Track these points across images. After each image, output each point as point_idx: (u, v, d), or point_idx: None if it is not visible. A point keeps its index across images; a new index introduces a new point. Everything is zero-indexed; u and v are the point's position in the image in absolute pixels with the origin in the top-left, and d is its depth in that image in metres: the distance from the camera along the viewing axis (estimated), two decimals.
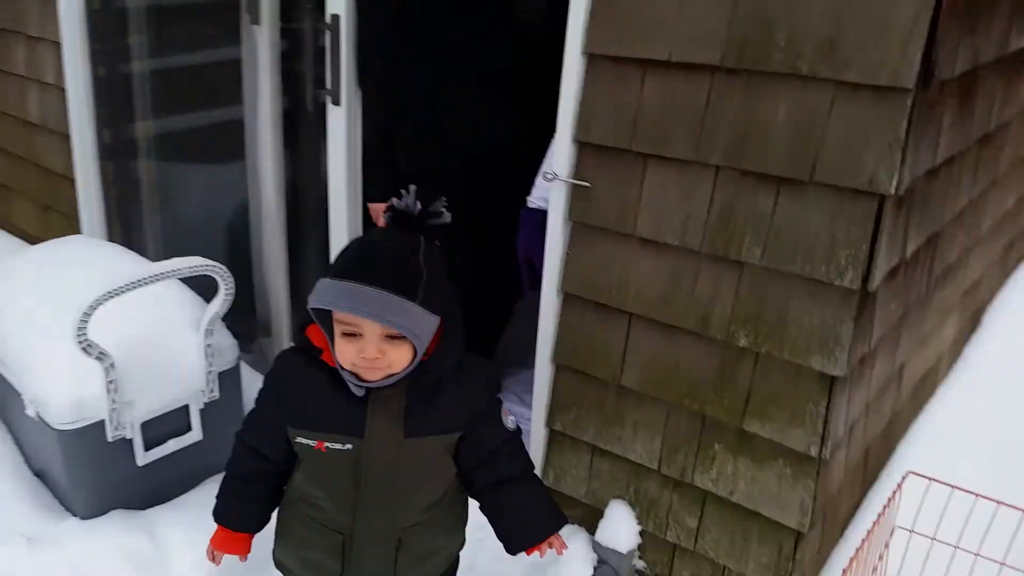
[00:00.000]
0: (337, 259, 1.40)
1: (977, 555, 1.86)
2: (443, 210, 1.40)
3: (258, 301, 2.96)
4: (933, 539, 1.89)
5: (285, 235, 2.84)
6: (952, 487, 1.89)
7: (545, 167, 2.13)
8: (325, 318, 1.38)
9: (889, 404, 2.29)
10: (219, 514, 1.61)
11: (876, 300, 1.78)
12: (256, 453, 1.53)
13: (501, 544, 1.61)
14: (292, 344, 1.51)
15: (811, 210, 1.65)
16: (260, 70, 2.57)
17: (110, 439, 2.23)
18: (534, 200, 2.32)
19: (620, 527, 2.19)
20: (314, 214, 2.92)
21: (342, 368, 1.37)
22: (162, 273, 2.16)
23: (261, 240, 2.85)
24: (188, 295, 2.45)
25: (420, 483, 1.48)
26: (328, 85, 2.36)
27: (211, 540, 1.63)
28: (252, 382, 2.76)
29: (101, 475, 2.28)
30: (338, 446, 1.42)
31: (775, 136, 1.63)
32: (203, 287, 2.45)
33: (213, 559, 1.63)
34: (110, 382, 2.15)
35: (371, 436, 1.41)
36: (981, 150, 2.29)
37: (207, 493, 2.47)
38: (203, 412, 2.43)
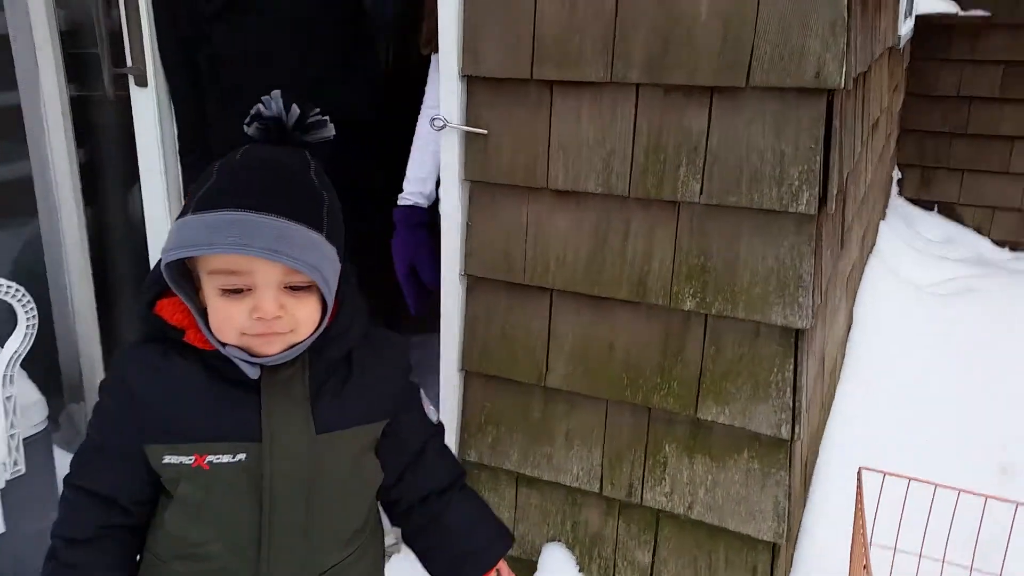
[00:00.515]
0: (199, 188, 1.03)
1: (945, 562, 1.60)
2: (324, 119, 1.11)
3: (62, 356, 2.49)
4: (920, 555, 1.63)
5: (90, 262, 2.43)
6: (910, 479, 1.65)
7: (422, 124, 1.89)
8: (185, 279, 1.05)
9: (824, 382, 2.05)
10: None
11: (822, 235, 1.58)
12: (101, 501, 1.08)
13: None
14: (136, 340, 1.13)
15: (752, 122, 1.48)
16: (39, 50, 2.24)
17: None
18: (408, 195, 2.02)
19: None
20: (125, 231, 2.57)
21: (223, 345, 1.03)
22: None
23: (62, 272, 2.42)
24: None
25: (343, 496, 1.13)
26: (129, 62, 2.09)
27: None
28: (63, 461, 2.31)
29: None
30: (226, 458, 1.05)
31: (700, 36, 1.47)
32: None
33: None
34: None
35: (272, 437, 1.05)
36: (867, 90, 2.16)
37: None
38: (4, 495, 1.97)
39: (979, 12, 4.00)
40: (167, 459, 1.05)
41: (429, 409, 1.26)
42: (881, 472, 1.66)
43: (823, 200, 1.46)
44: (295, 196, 1.02)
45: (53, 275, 2.44)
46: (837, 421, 2.31)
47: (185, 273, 1.06)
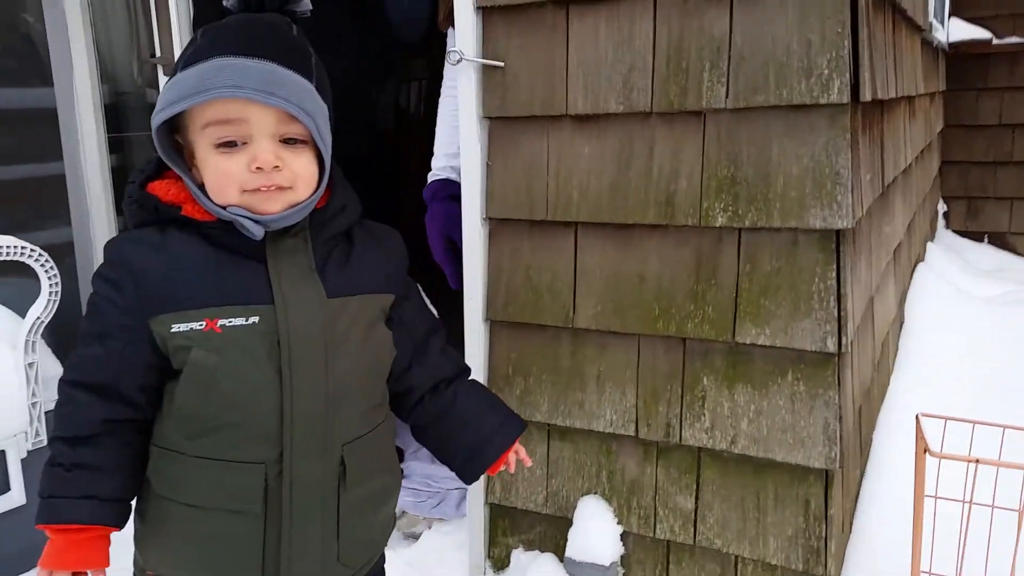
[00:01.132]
0: (189, 48, 1.01)
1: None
2: None
3: None
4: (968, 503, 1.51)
5: None
6: (974, 423, 1.56)
7: (444, 102, 1.88)
8: (178, 156, 1.02)
9: (883, 315, 1.96)
10: (57, 507, 1.03)
11: (859, 143, 1.53)
12: (102, 393, 1.03)
13: (456, 473, 1.23)
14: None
15: (775, 15, 1.44)
16: (73, 42, 2.27)
17: None
18: (438, 171, 2.00)
19: (596, 532, 1.74)
20: None
21: (224, 208, 1.00)
22: None
23: (90, 262, 2.42)
24: None
25: (360, 365, 1.08)
26: (157, 52, 2.12)
27: (46, 559, 1.03)
28: None
29: None
30: (239, 320, 1.01)
31: None
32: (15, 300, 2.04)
33: None
34: None
35: (285, 299, 1.02)
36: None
37: None
38: (26, 464, 1.93)
39: (1015, 39, 4.01)
40: (175, 327, 0.99)
41: (429, 305, 1.24)
42: (942, 418, 1.57)
43: (856, 89, 1.41)
44: (283, 45, 1.00)
45: (83, 272, 2.44)
46: (891, 408, 2.24)
47: (177, 149, 1.03)
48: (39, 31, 2.54)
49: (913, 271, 2.99)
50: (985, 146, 4.23)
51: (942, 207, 4.41)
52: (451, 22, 1.78)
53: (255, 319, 1.00)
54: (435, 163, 2.00)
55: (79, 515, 1.02)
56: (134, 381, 1.03)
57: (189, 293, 1.00)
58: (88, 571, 1.05)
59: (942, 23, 3.48)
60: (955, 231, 4.35)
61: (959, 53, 4.04)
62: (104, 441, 1.03)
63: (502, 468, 1.24)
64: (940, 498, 1.50)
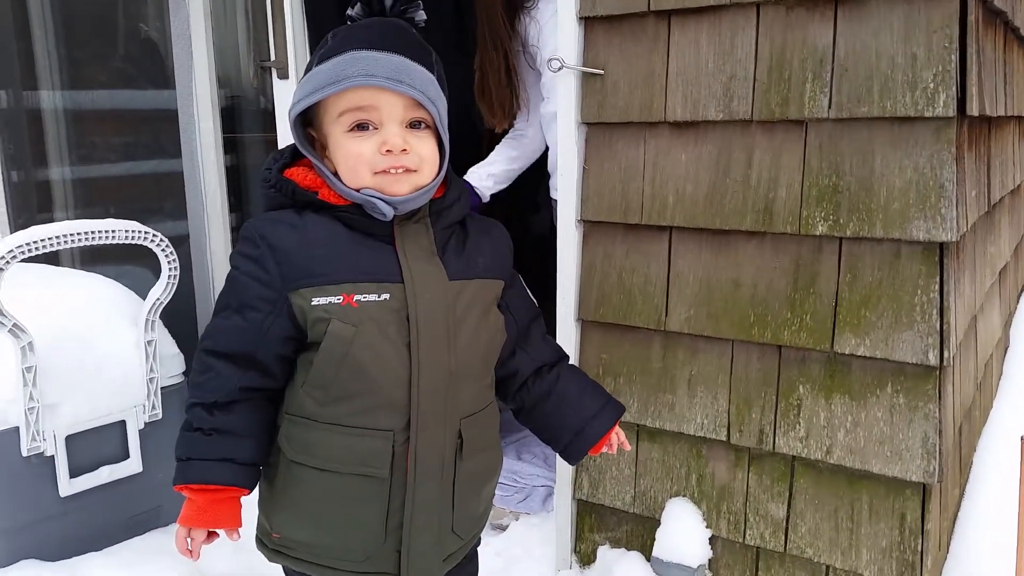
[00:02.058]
0: (317, 51, 1.12)
1: None
2: (417, 1, 1.18)
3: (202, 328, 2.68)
4: None
5: (231, 246, 2.58)
6: None
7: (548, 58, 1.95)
8: (312, 146, 1.14)
9: (986, 334, 1.93)
10: (196, 469, 1.12)
11: (964, 157, 1.51)
12: (239, 362, 1.11)
13: (561, 453, 1.33)
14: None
15: (880, 29, 1.44)
16: (195, 46, 2.42)
17: (25, 453, 1.90)
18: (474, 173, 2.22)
19: (684, 534, 1.78)
20: None
21: (357, 191, 1.10)
22: (91, 232, 1.93)
23: (205, 251, 2.58)
24: (120, 289, 2.20)
25: (477, 344, 1.18)
26: (272, 55, 2.25)
27: (184, 518, 1.14)
28: None
29: (12, 505, 1.92)
30: (372, 296, 1.10)
31: None
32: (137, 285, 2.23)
33: (189, 550, 1.15)
34: (27, 369, 1.86)
35: (413, 278, 1.11)
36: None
37: (147, 545, 2.12)
38: (143, 436, 2.10)
39: None
40: (316, 300, 1.08)
41: (529, 294, 1.33)
42: None
43: (962, 103, 1.40)
44: (409, 41, 1.10)
45: (197, 262, 2.62)
46: (993, 431, 2.20)
47: (311, 141, 1.14)
48: (160, 37, 2.74)
49: (1020, 295, 2.89)
50: None
51: None
52: (509, 120, 2.09)
53: (387, 296, 1.09)
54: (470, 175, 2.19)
55: (217, 477, 1.12)
56: (271, 351, 1.12)
57: (327, 269, 1.09)
58: (221, 530, 1.15)
59: None
60: None
61: None
62: (240, 408, 1.12)
63: (603, 450, 1.31)
64: None
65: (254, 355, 1.12)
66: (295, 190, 1.13)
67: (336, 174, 1.11)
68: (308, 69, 1.12)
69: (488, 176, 2.20)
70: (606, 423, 1.29)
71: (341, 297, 1.08)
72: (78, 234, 1.93)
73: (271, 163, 1.17)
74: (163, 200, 2.86)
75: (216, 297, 2.50)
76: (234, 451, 1.12)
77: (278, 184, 1.14)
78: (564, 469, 1.94)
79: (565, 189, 1.83)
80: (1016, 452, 1.49)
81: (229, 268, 1.14)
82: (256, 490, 1.21)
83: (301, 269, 1.09)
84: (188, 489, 1.13)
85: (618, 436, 1.32)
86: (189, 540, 1.15)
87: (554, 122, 1.89)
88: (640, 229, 1.76)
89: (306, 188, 1.13)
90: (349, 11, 1.17)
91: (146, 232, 2.03)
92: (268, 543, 1.22)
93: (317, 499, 1.14)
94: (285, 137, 2.32)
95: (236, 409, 1.12)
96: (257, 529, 1.24)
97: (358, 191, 1.09)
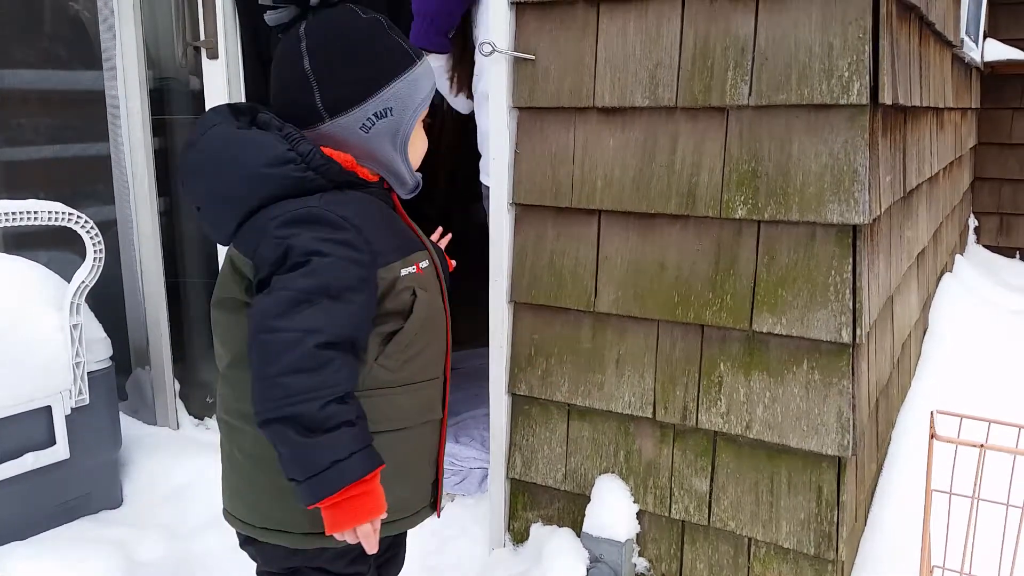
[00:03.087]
0: (384, 55, 1.19)
1: None
2: None
3: (130, 321, 2.56)
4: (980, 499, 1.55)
5: (159, 230, 2.48)
6: (990, 422, 1.58)
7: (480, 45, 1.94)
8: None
9: (903, 315, 2.01)
10: (360, 460, 1.05)
11: (878, 143, 1.57)
12: (348, 348, 1.08)
13: None
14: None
15: (799, 19, 1.48)
16: (120, 25, 2.34)
17: None
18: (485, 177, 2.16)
19: (613, 509, 1.81)
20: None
21: (408, 172, 1.24)
22: (12, 213, 1.86)
23: (132, 235, 2.50)
24: (43, 272, 2.12)
25: None
26: (202, 35, 2.19)
27: (339, 523, 1.07)
28: (131, 430, 2.35)
29: None
30: (424, 263, 1.23)
31: None
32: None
33: (371, 541, 1.09)
34: None
35: (426, 242, 1.28)
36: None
37: (76, 532, 2.06)
38: (69, 422, 2.04)
39: None
40: (403, 272, 1.17)
41: None
42: (957, 415, 1.60)
43: (875, 91, 1.45)
44: None
45: (124, 245, 2.53)
46: (911, 408, 2.28)
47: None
48: (90, 16, 2.63)
49: (939, 280, 3.01)
50: (1018, 164, 4.25)
51: (973, 222, 4.41)
52: (462, 89, 2.06)
53: (427, 262, 1.22)
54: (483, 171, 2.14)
55: (377, 459, 1.07)
56: (367, 330, 1.13)
57: (396, 243, 1.18)
58: (372, 520, 1.08)
59: (976, 42, 3.48)
60: (986, 246, 4.36)
61: (995, 73, 4.04)
62: (352, 392, 1.08)
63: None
64: (952, 493, 1.55)
65: (357, 338, 1.10)
66: (340, 170, 1.14)
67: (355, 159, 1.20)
68: (401, 65, 1.18)
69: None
70: None
71: (414, 267, 1.19)
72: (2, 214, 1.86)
73: (298, 146, 1.12)
74: (92, 184, 2.76)
75: (139, 282, 2.46)
76: (368, 435, 1.08)
77: (322, 166, 1.12)
78: (498, 449, 1.95)
79: (497, 173, 1.83)
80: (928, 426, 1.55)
81: (299, 256, 1.06)
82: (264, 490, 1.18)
83: (382, 244, 1.14)
84: (354, 487, 1.05)
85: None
86: (372, 521, 1.08)
87: (485, 102, 1.89)
88: (570, 212, 1.78)
89: (347, 168, 1.17)
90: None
91: (70, 213, 1.96)
92: (293, 538, 1.19)
93: (394, 457, 1.14)
94: None
95: (353, 394, 1.08)
96: (304, 526, 1.17)
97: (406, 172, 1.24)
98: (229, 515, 1.27)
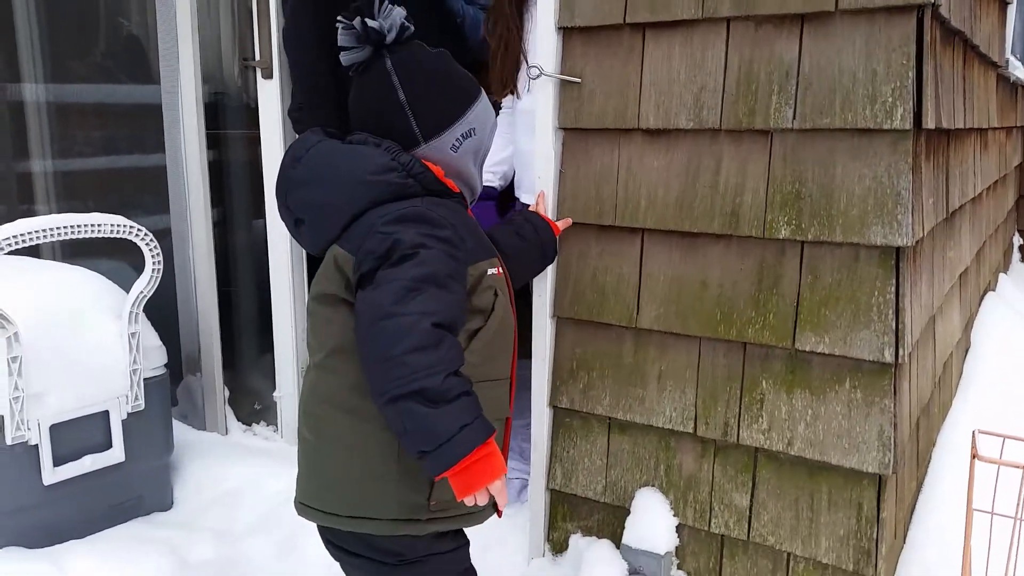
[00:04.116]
0: (461, 83, 1.37)
1: None
2: None
3: (183, 328, 2.64)
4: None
5: (212, 241, 2.56)
6: None
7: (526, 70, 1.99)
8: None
9: (945, 335, 2.01)
10: (482, 425, 1.17)
11: (921, 167, 1.58)
12: (454, 329, 1.21)
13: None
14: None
15: (843, 46, 1.50)
16: (180, 44, 2.43)
17: (9, 442, 1.91)
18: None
19: (653, 522, 1.83)
20: (246, 215, 2.75)
21: (479, 185, 1.45)
22: (76, 226, 1.95)
23: (187, 245, 2.58)
24: (103, 282, 2.21)
25: None
26: (257, 55, 2.27)
27: (469, 486, 1.16)
28: (183, 435, 2.43)
29: None
30: (501, 268, 1.38)
31: None
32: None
33: (503, 494, 1.21)
34: (12, 359, 1.86)
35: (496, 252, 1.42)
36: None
37: (129, 533, 2.13)
38: (125, 426, 2.12)
39: None
40: (489, 271, 1.31)
41: None
42: (999, 435, 1.61)
43: (918, 116, 1.47)
44: None
45: (179, 255, 2.62)
46: (952, 427, 2.27)
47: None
48: (143, 32, 2.73)
49: (982, 299, 2.99)
50: None
51: (1018, 240, 4.36)
52: (511, 90, 2.03)
53: (501, 268, 1.36)
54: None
55: (490, 426, 1.19)
56: (464, 320, 1.25)
57: (479, 246, 1.32)
58: (496, 481, 1.18)
59: (1022, 61, 3.46)
60: None
61: None
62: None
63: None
64: (993, 513, 1.55)
65: (459, 323, 1.23)
66: (435, 179, 1.28)
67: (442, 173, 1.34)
68: (471, 97, 1.36)
69: (500, 177, 2.20)
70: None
71: (497, 268, 1.33)
72: (65, 227, 1.94)
73: (399, 157, 1.27)
74: (143, 194, 2.86)
75: (193, 291, 2.53)
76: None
77: (420, 174, 1.27)
78: (539, 461, 1.99)
79: (542, 190, 1.87)
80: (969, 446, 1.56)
81: (407, 249, 1.18)
82: (371, 480, 1.28)
83: (472, 245, 1.29)
84: (480, 449, 1.15)
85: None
86: (500, 484, 1.19)
87: (525, 119, 1.94)
88: (613, 230, 1.81)
89: (439, 178, 1.32)
90: (343, 40, 1.26)
91: (131, 226, 2.04)
92: (422, 516, 1.28)
93: None
94: (269, 134, 2.34)
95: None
96: (390, 512, 1.27)
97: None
98: (309, 509, 1.34)
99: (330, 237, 1.29)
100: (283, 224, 1.39)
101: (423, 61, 1.33)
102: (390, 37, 1.29)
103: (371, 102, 1.32)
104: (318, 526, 1.39)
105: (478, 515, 1.35)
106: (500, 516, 1.32)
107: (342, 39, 1.30)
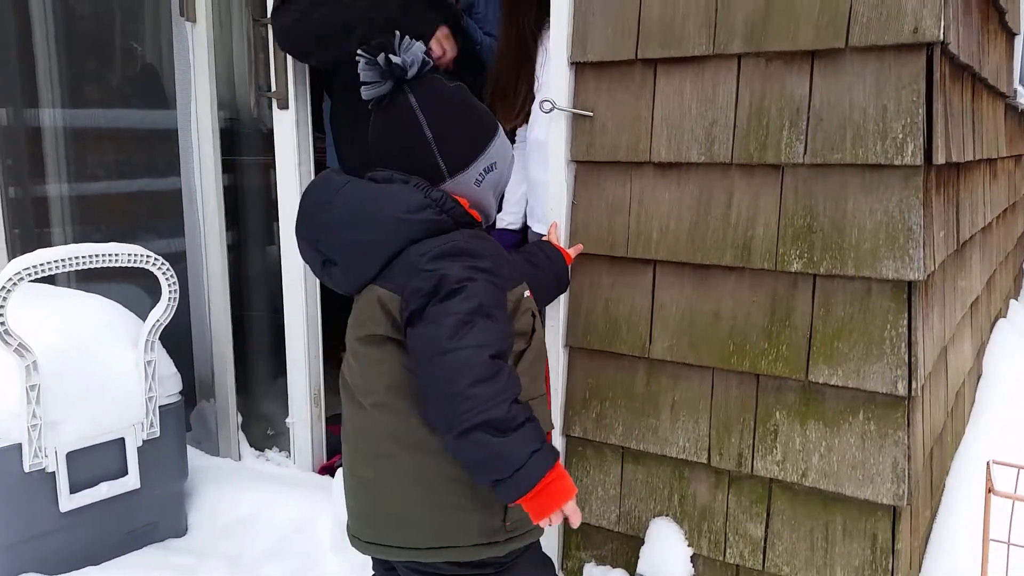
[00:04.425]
0: (482, 119, 1.41)
1: None
2: None
3: (197, 354, 2.66)
4: None
5: (227, 267, 2.58)
6: None
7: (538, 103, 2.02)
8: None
9: (957, 364, 2.02)
10: (551, 450, 1.22)
11: (932, 201, 1.60)
12: (506, 357, 1.26)
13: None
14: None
15: (853, 83, 1.52)
16: (196, 72, 2.46)
17: (27, 469, 1.92)
18: (504, 218, 2.25)
19: (667, 552, 1.84)
20: (260, 240, 2.77)
21: (494, 215, 1.50)
22: (94, 255, 1.97)
23: (201, 271, 2.61)
24: (120, 311, 2.23)
25: None
26: (273, 87, 2.31)
27: (544, 509, 1.20)
28: (197, 462, 2.44)
29: (14, 521, 1.94)
30: (529, 291, 1.43)
31: (799, 1, 1.54)
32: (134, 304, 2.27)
33: (576, 514, 1.24)
34: (31, 387, 1.88)
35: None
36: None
37: (145, 559, 2.14)
38: (141, 453, 2.13)
39: None
40: (524, 294, 1.37)
41: None
42: (1014, 466, 1.61)
43: (928, 152, 1.48)
44: None
45: (193, 280, 2.64)
46: (965, 456, 2.27)
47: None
48: (157, 58, 2.77)
49: (994, 326, 3.00)
50: None
51: None
52: (523, 119, 2.09)
53: (529, 290, 1.42)
54: (504, 207, 2.22)
55: (556, 450, 1.23)
56: (511, 346, 1.32)
57: (513, 270, 1.39)
58: (570, 502, 1.22)
59: None
60: None
61: None
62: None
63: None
64: (1010, 544, 1.55)
65: (508, 351, 1.29)
66: (464, 212, 1.33)
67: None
68: (490, 132, 1.40)
69: (519, 218, 2.26)
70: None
71: (528, 292, 1.38)
72: (82, 257, 1.96)
73: (431, 193, 1.30)
74: (157, 218, 2.89)
75: (207, 317, 2.55)
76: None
77: (452, 208, 1.30)
78: None
79: (554, 221, 1.90)
80: (984, 476, 1.56)
81: (454, 284, 1.21)
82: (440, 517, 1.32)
83: (507, 272, 1.35)
84: (551, 472, 1.18)
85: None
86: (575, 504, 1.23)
87: (537, 150, 1.97)
88: (625, 262, 1.83)
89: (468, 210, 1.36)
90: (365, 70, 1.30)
91: (148, 256, 2.07)
92: (500, 538, 1.32)
93: None
94: (284, 163, 2.36)
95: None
96: (470, 538, 1.31)
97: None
98: (382, 547, 1.36)
99: (367, 277, 1.30)
100: (297, 252, 1.41)
101: (446, 96, 1.35)
102: (411, 72, 1.31)
103: (396, 138, 1.33)
104: (395, 562, 1.40)
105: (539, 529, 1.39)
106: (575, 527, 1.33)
107: (364, 74, 1.31)
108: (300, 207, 1.38)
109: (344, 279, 1.34)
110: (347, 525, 1.44)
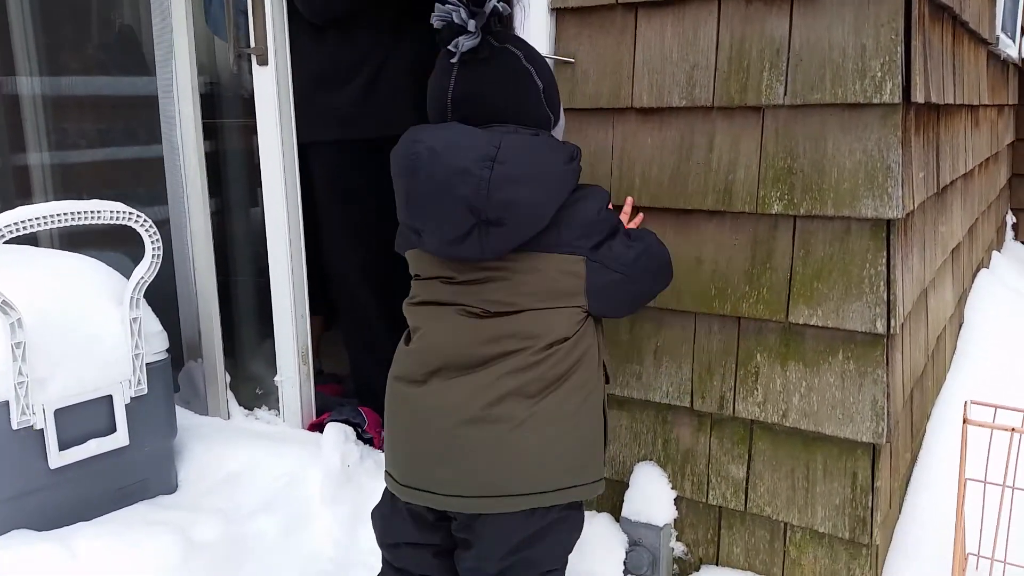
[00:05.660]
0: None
1: None
2: None
3: (183, 315, 2.64)
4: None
5: (210, 227, 2.55)
6: None
7: None
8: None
9: (938, 309, 2.04)
10: None
11: (911, 141, 1.61)
12: None
13: None
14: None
15: (832, 22, 1.52)
16: (175, 36, 2.42)
17: (15, 427, 1.92)
18: None
19: (651, 494, 1.87)
20: (243, 204, 2.75)
21: None
22: (76, 212, 1.95)
23: (185, 234, 2.58)
24: (104, 269, 2.21)
25: None
26: (252, 42, 2.27)
27: None
28: (185, 420, 2.44)
29: (4, 478, 1.94)
30: None
31: None
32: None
33: None
34: (16, 345, 1.88)
35: None
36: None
37: (135, 515, 2.15)
38: (129, 410, 2.13)
39: None
40: None
41: None
42: (992, 406, 1.64)
43: (907, 91, 1.49)
44: None
45: (177, 244, 2.63)
46: (946, 401, 2.30)
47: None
48: (137, 24, 2.74)
49: (975, 275, 3.02)
50: None
51: (1011, 218, 4.39)
52: None
53: None
54: None
55: None
56: None
57: None
58: None
59: (1013, 38, 3.48)
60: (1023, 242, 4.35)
61: None
62: None
63: None
64: (985, 482, 1.58)
65: None
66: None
67: None
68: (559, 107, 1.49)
69: None
70: None
71: None
72: (64, 214, 1.95)
73: (568, 149, 1.36)
74: (140, 185, 2.87)
75: (192, 277, 2.55)
76: None
77: (580, 156, 1.41)
78: None
79: None
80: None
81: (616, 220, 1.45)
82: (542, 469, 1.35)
83: None
84: None
85: None
86: None
87: None
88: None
89: None
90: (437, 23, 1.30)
91: (130, 213, 2.06)
92: (596, 486, 1.41)
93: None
94: (265, 123, 2.34)
95: None
96: (596, 473, 1.44)
97: None
98: (491, 499, 1.32)
99: (529, 235, 1.27)
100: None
101: (531, 47, 1.41)
102: (494, 23, 1.30)
103: (509, 90, 1.34)
104: (483, 519, 1.35)
105: None
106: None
107: (447, 26, 1.28)
108: (433, 169, 1.24)
109: (501, 241, 1.25)
110: (419, 494, 1.36)
